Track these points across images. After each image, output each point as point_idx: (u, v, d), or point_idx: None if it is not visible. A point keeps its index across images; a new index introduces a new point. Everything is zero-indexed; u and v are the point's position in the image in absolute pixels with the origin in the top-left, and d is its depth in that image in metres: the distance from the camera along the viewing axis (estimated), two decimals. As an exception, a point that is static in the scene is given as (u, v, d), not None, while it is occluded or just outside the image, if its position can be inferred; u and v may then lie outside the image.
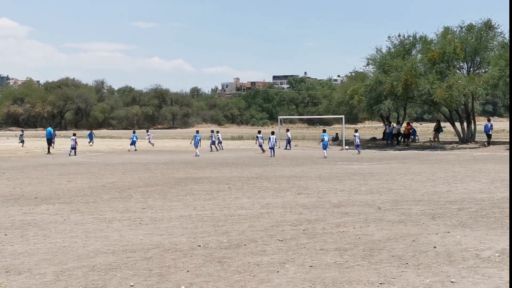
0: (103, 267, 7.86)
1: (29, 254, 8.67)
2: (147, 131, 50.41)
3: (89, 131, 52.27)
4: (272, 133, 36.02)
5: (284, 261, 8.11)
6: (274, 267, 7.82)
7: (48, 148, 37.93)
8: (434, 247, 8.89)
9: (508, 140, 42.84)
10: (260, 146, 37.74)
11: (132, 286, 6.99)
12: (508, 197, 14.19)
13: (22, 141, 48.15)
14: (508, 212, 11.88)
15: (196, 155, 33.40)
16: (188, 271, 7.66)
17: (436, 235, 9.81)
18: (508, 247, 8.68)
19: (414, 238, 9.57)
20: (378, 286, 6.89)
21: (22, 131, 55.75)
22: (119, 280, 7.25)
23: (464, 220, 11.27)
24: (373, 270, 7.60)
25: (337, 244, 9.18)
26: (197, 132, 37.63)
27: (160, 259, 8.32)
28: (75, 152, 35.73)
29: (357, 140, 36.79)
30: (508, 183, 17.32)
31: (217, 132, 42.63)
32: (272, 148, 34.12)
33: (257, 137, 39.69)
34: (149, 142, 46.86)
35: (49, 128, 40.32)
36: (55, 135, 46.01)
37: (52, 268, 7.83)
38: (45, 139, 39.58)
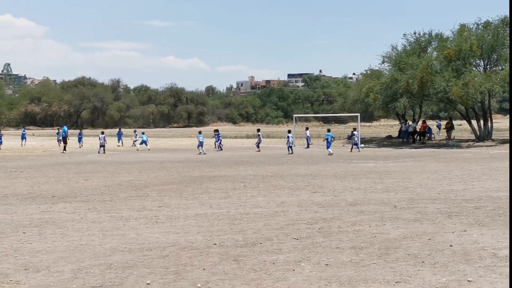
0: (120, 265, 7.92)
1: (47, 252, 8.76)
2: (135, 131, 47.91)
3: (118, 130, 49.70)
4: (289, 131, 36.20)
5: (299, 260, 8.12)
6: (289, 265, 7.83)
7: (64, 147, 38.09)
8: (451, 246, 8.85)
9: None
10: (257, 144, 37.98)
11: (149, 284, 7.04)
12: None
13: (59, 140, 44.46)
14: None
15: (202, 153, 34.21)
16: (204, 269, 7.69)
17: (453, 234, 9.77)
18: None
19: (430, 237, 9.54)
20: (394, 285, 6.88)
21: (59, 129, 51.90)
22: (136, 278, 7.30)
23: (481, 219, 11.22)
24: (389, 269, 7.59)
25: (352, 243, 9.17)
26: (200, 132, 38.17)
27: (176, 257, 8.37)
28: (104, 150, 36.41)
29: (356, 139, 37.04)
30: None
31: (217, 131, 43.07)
32: (290, 147, 34.42)
33: (258, 135, 39.98)
34: (133, 142, 45.11)
35: (65, 127, 40.20)
36: (82, 134, 46.40)
37: (69, 266, 7.90)
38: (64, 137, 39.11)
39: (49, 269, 7.76)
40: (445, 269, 7.53)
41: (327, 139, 33.77)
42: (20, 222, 11.40)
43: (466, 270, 7.51)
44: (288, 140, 34.74)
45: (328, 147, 33.28)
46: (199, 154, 34.28)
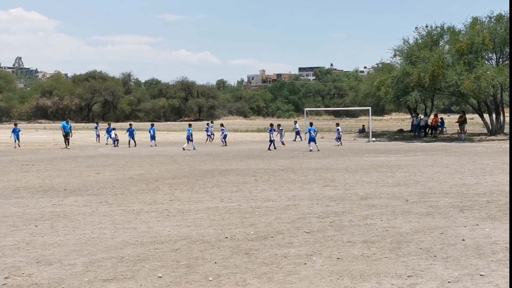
0: (132, 258, 7.93)
1: (59, 245, 8.79)
2: (208, 124, 42.71)
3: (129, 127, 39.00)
4: (271, 125, 34.53)
5: (311, 253, 8.11)
6: (301, 259, 7.82)
7: (67, 142, 35.91)
8: (463, 240, 8.81)
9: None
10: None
11: (160, 277, 7.05)
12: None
13: (98, 135, 42.93)
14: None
15: (192, 149, 32.50)
16: (215, 262, 7.69)
17: (465, 228, 9.72)
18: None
19: (442, 231, 9.50)
20: (406, 279, 6.85)
21: (97, 123, 48.38)
22: (148, 271, 7.31)
23: (493, 213, 11.15)
24: (401, 263, 7.56)
25: (364, 237, 9.15)
26: (190, 125, 35.38)
27: (188, 250, 8.37)
28: (117, 143, 36.69)
29: (340, 134, 36.61)
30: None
31: (210, 123, 43.43)
32: (272, 141, 32.98)
33: (275, 129, 36.43)
34: (208, 137, 41.67)
35: (64, 123, 37.14)
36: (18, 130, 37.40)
37: (81, 259, 7.93)
38: (66, 132, 36.28)
39: (61, 262, 7.79)
40: (457, 263, 7.50)
41: (309, 133, 31.45)
42: (32, 215, 11.45)
43: (478, 264, 7.47)
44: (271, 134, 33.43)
45: (309, 142, 31.07)
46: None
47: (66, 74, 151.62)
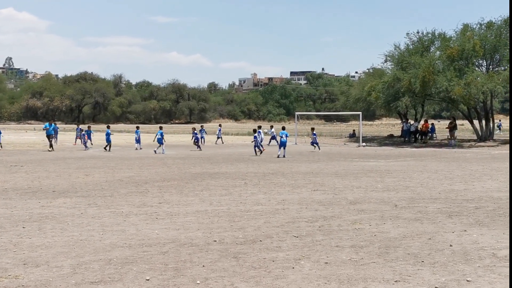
0: (120, 261, 7.91)
1: (47, 247, 8.75)
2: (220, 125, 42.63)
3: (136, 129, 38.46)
4: (255, 130, 33.48)
5: (299, 258, 8.12)
6: (289, 263, 7.83)
7: (50, 144, 34.48)
8: (451, 246, 8.85)
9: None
10: (261, 143, 33.85)
11: (148, 280, 7.03)
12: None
13: (77, 137, 40.90)
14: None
15: (158, 152, 31.91)
16: (203, 266, 7.69)
17: (453, 234, 9.76)
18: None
19: (430, 236, 9.53)
20: (393, 284, 6.87)
21: (78, 125, 45.50)
22: (135, 273, 7.30)
23: (481, 219, 11.20)
24: (388, 268, 7.58)
25: (352, 241, 9.17)
26: (161, 128, 34.99)
27: (176, 253, 8.36)
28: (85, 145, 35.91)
29: (315, 139, 35.58)
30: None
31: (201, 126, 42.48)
32: (257, 146, 31.85)
33: (259, 133, 34.07)
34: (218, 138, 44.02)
35: (47, 124, 36.11)
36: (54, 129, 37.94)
37: (69, 261, 7.90)
38: (50, 134, 34.94)
39: (48, 264, 7.76)
40: (444, 269, 7.53)
41: (281, 136, 29.58)
42: (19, 217, 11.40)
43: (465, 270, 7.50)
44: (255, 139, 31.58)
45: (280, 147, 29.43)
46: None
47: (56, 75, 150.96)
